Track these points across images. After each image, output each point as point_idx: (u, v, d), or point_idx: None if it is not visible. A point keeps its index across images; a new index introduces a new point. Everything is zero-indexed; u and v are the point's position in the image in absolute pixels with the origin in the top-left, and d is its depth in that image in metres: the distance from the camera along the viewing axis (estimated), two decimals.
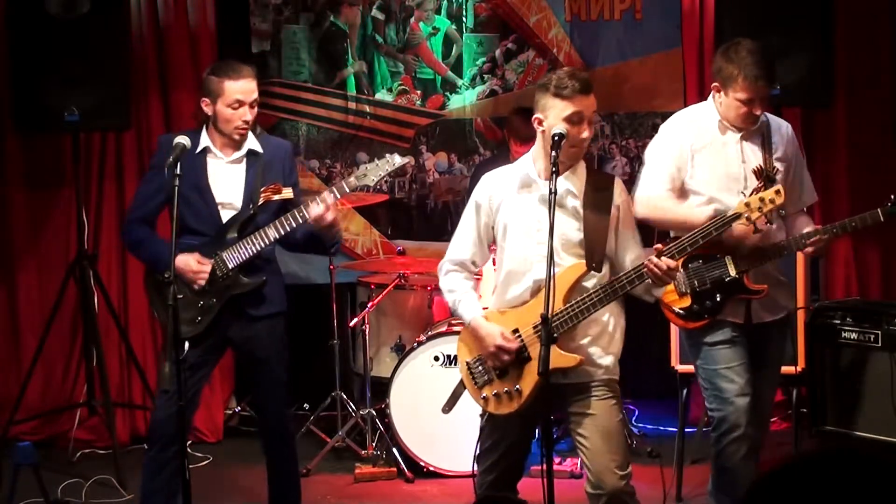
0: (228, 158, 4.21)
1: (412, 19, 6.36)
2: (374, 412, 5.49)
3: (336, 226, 4.15)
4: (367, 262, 6.26)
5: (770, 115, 4.09)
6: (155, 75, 6.02)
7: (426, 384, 5.28)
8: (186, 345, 4.09)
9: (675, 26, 6.13)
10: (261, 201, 4.17)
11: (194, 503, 3.67)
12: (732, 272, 3.89)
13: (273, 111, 6.40)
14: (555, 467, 3.41)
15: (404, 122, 6.44)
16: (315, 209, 4.03)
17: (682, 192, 4.01)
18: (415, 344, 5.36)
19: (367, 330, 5.54)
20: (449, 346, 5.27)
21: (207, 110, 4.19)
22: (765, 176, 3.91)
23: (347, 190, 4.10)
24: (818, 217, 5.57)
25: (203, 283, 4.12)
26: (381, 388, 5.43)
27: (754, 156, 3.96)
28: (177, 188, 3.68)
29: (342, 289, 5.98)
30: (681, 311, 3.98)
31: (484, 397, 3.65)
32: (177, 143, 3.80)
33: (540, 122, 3.56)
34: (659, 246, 3.54)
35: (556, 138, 3.49)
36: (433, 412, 5.23)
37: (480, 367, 3.66)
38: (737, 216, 3.66)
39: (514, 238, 3.62)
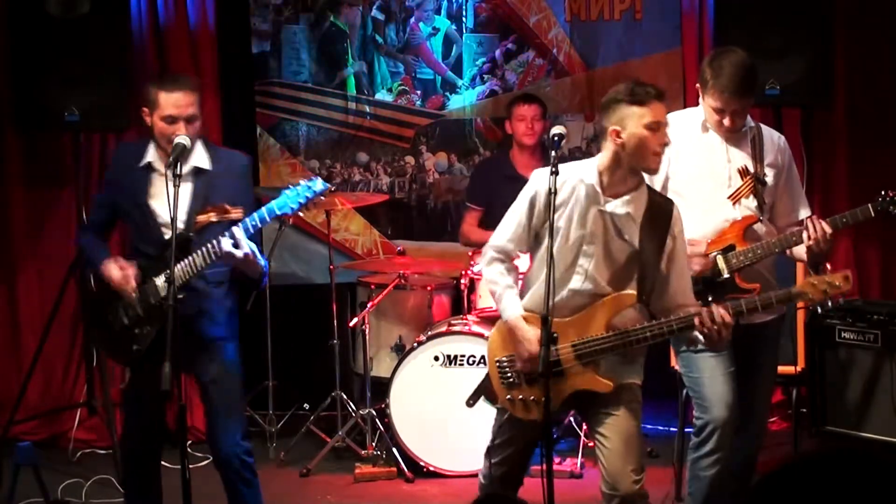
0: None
1: (412, 19, 6.36)
2: (374, 412, 5.49)
3: (252, 262, 3.83)
4: (367, 262, 6.26)
5: (764, 126, 4.07)
6: (155, 76, 6.02)
7: (426, 384, 5.28)
8: (128, 374, 4.00)
9: (675, 26, 6.13)
10: (199, 221, 3.87)
11: (194, 503, 3.66)
12: (724, 272, 3.88)
13: (273, 111, 6.40)
14: (555, 467, 3.41)
15: (404, 122, 6.43)
16: (224, 244, 3.76)
17: (665, 187, 3.96)
18: (415, 344, 5.36)
19: (367, 330, 5.54)
20: (449, 346, 5.27)
21: (147, 120, 3.95)
22: (753, 176, 3.90)
23: (268, 219, 3.80)
24: (817, 217, 5.57)
25: (130, 290, 3.90)
26: (381, 388, 5.43)
27: (740, 156, 3.94)
28: (177, 188, 3.62)
29: (342, 289, 5.98)
30: None
31: (510, 399, 3.61)
32: (177, 144, 3.75)
33: (617, 134, 3.46)
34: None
35: (556, 139, 3.49)
36: (433, 412, 5.26)
37: (511, 368, 3.62)
38: (802, 294, 3.59)
39: (564, 244, 3.53)
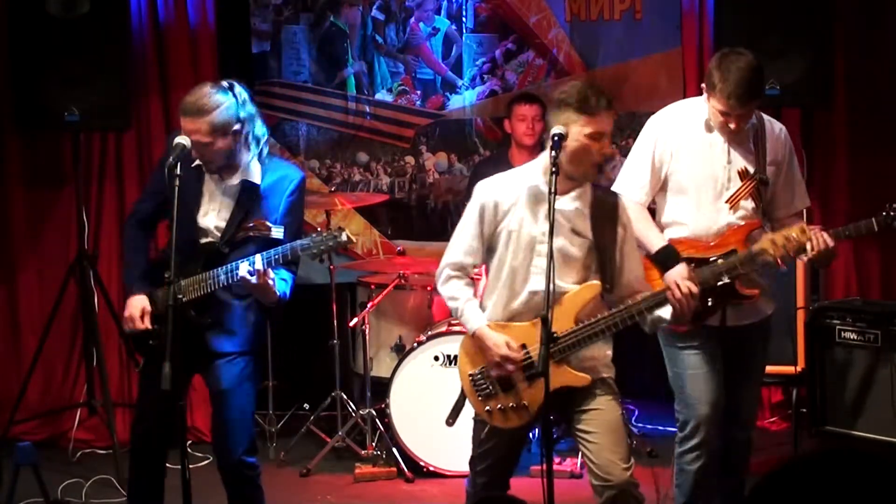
0: (223, 183, 3.90)
1: (412, 19, 6.36)
2: (374, 412, 5.49)
3: (268, 291, 3.79)
4: (367, 262, 6.26)
5: (766, 117, 4.04)
6: (155, 75, 6.02)
7: (426, 384, 5.28)
8: (142, 360, 4.00)
9: (675, 26, 6.13)
10: (238, 237, 3.85)
11: (194, 503, 3.66)
12: (725, 277, 3.87)
13: (273, 111, 6.39)
14: (555, 467, 3.41)
15: (404, 122, 6.44)
16: (241, 270, 3.72)
17: (663, 188, 3.99)
18: (415, 344, 5.36)
19: (367, 330, 5.54)
20: (449, 346, 5.27)
21: None
22: (753, 178, 3.89)
23: (290, 257, 3.75)
24: (817, 217, 5.57)
25: (128, 329, 3.92)
26: (381, 388, 5.43)
27: (742, 157, 3.92)
28: (177, 189, 3.57)
29: (342, 289, 5.98)
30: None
31: (488, 410, 3.61)
32: (176, 144, 3.72)
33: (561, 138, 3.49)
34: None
35: (556, 139, 3.49)
36: (433, 412, 5.24)
37: (484, 380, 3.62)
38: (762, 252, 3.66)
39: (516, 249, 3.58)
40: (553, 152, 3.44)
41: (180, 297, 3.72)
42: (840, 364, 4.85)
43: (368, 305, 5.53)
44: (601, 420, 3.54)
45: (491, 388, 3.60)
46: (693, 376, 3.95)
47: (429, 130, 6.44)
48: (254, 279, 3.71)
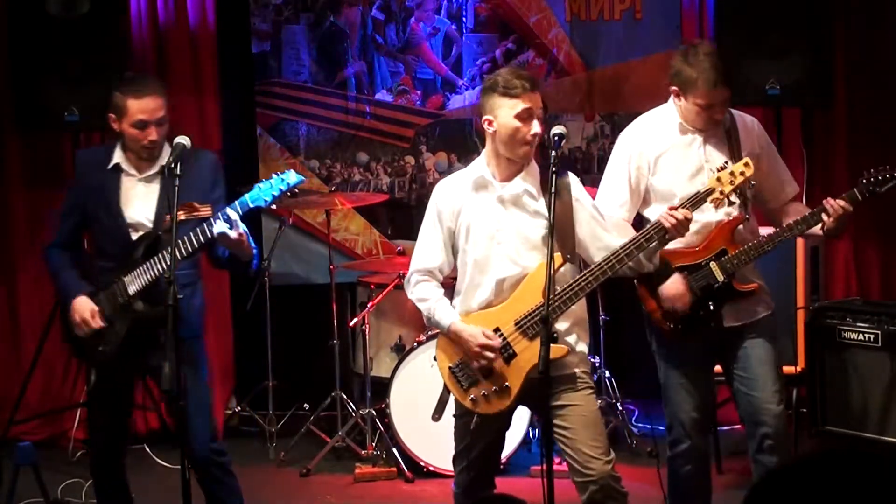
0: (141, 176, 4.01)
1: (412, 19, 6.36)
2: (374, 412, 5.49)
3: (245, 244, 3.85)
4: (367, 262, 6.26)
5: (735, 112, 4.03)
6: (155, 76, 6.01)
7: (426, 384, 5.25)
8: (93, 376, 4.03)
9: (675, 26, 6.13)
10: (167, 220, 3.83)
11: (194, 503, 3.66)
12: (720, 277, 3.86)
13: (273, 111, 6.39)
14: (555, 467, 3.40)
15: (404, 122, 6.43)
16: (218, 226, 3.78)
17: (645, 200, 3.98)
18: (415, 344, 5.36)
19: (367, 330, 5.54)
20: None
21: (115, 127, 3.99)
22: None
23: (240, 211, 3.82)
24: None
25: (82, 333, 3.94)
26: (381, 388, 5.43)
27: (718, 155, 3.91)
28: (177, 189, 3.61)
29: (342, 289, 5.98)
30: (674, 328, 3.91)
31: (472, 399, 3.64)
32: (177, 144, 3.75)
33: (490, 123, 3.59)
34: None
35: (557, 139, 3.51)
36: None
37: (464, 370, 3.65)
38: (710, 191, 3.66)
39: (476, 240, 3.65)
40: (553, 152, 3.46)
41: (128, 294, 3.89)
42: (840, 364, 4.84)
43: (368, 305, 5.53)
44: (578, 415, 3.56)
45: (472, 377, 3.64)
46: (678, 385, 3.98)
47: (429, 130, 6.44)
48: (233, 233, 3.77)
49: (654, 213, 3.90)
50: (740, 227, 3.90)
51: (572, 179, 3.67)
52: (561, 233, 3.55)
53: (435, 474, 5.28)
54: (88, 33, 5.37)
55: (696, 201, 3.68)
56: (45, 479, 4.58)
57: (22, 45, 5.45)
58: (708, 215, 3.89)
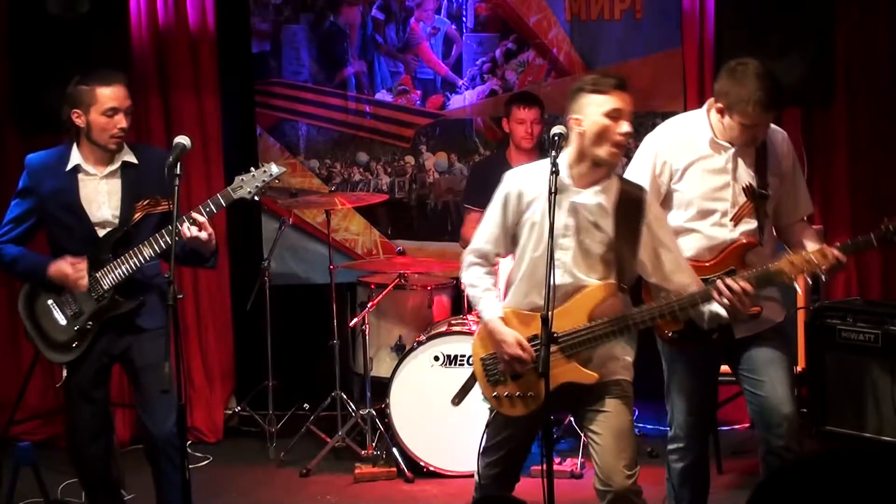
0: (102, 174, 4.05)
1: (412, 19, 6.36)
2: (374, 412, 5.49)
3: (211, 240, 3.94)
4: (367, 262, 6.26)
5: (770, 127, 3.96)
6: (155, 76, 6.02)
7: (426, 384, 5.28)
8: (65, 372, 4.05)
9: (675, 26, 6.13)
10: (136, 217, 4.03)
11: (194, 503, 3.66)
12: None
13: (273, 111, 6.40)
14: (555, 467, 3.41)
15: (404, 122, 6.43)
16: (187, 230, 3.85)
17: (665, 203, 3.92)
18: (415, 344, 5.36)
19: (367, 330, 5.54)
20: (449, 346, 5.27)
21: (79, 122, 4.02)
22: (754, 195, 3.86)
23: (223, 203, 3.91)
24: (818, 218, 5.57)
25: (85, 283, 4.00)
26: (381, 388, 5.43)
27: (746, 173, 3.87)
28: (177, 188, 3.60)
29: (342, 289, 5.98)
30: (674, 335, 3.89)
31: (496, 396, 3.62)
32: (176, 144, 3.73)
33: (578, 123, 3.49)
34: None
35: (556, 138, 3.48)
36: (433, 412, 5.26)
37: (495, 365, 3.62)
38: (780, 272, 3.61)
39: (538, 240, 3.55)
40: (553, 152, 3.44)
41: (103, 289, 3.97)
42: (840, 364, 4.85)
43: (368, 305, 5.53)
44: (608, 423, 3.54)
45: (500, 374, 3.61)
46: (680, 387, 3.99)
47: (429, 130, 6.44)
48: (203, 235, 3.85)
49: (672, 220, 3.87)
50: (751, 252, 3.86)
51: (648, 200, 3.58)
52: (621, 257, 3.51)
53: (435, 474, 5.28)
54: (88, 33, 5.37)
55: (763, 279, 3.61)
56: (45, 479, 4.58)
57: (22, 46, 5.45)
58: (723, 232, 3.86)
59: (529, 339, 3.53)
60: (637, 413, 6.02)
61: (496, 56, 6.34)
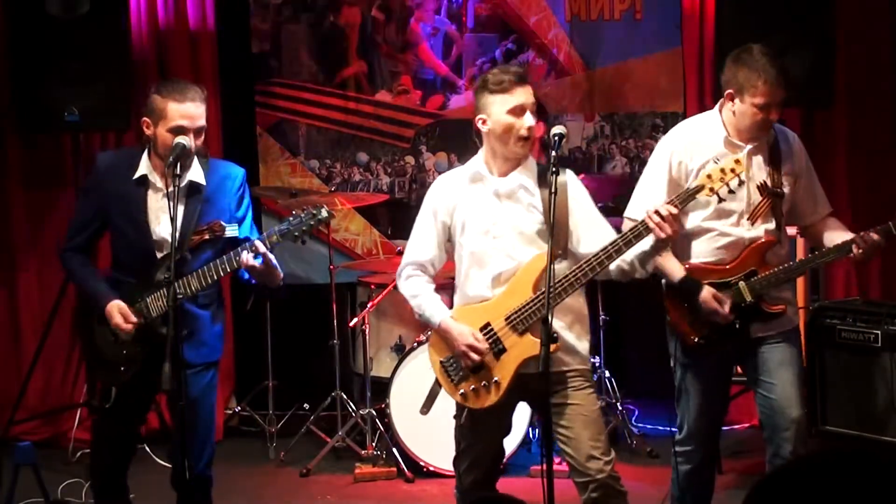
0: (169, 190, 3.69)
1: (412, 19, 6.36)
2: (374, 412, 5.49)
3: (274, 273, 3.81)
4: (367, 262, 6.26)
5: (779, 127, 4.00)
6: (155, 76, 6.01)
7: (426, 384, 5.25)
8: (113, 392, 3.89)
9: (675, 26, 6.13)
10: (193, 241, 3.79)
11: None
12: (748, 298, 3.82)
13: (273, 111, 6.40)
14: (555, 467, 3.39)
15: (404, 122, 6.43)
16: (245, 257, 3.71)
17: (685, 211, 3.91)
18: (415, 344, 5.36)
19: (367, 330, 5.54)
20: None
21: (148, 132, 3.80)
22: (770, 193, 3.86)
23: (276, 240, 3.73)
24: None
25: (130, 332, 3.82)
26: (381, 388, 5.43)
27: (759, 171, 3.87)
28: (178, 189, 3.58)
29: (342, 289, 5.98)
30: (701, 342, 3.87)
31: (462, 393, 3.65)
32: (177, 144, 3.69)
33: (484, 122, 3.61)
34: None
35: (556, 139, 3.50)
36: (433, 412, 5.24)
37: (455, 365, 3.66)
38: (700, 188, 3.54)
39: (472, 234, 3.65)
40: (553, 152, 3.46)
41: (151, 316, 3.79)
42: (840, 364, 4.84)
43: (368, 305, 5.53)
44: (578, 414, 3.55)
45: (462, 371, 3.65)
46: (694, 393, 3.97)
47: (429, 130, 6.44)
48: (258, 262, 3.73)
49: (689, 222, 3.88)
50: (770, 251, 3.87)
51: (569, 176, 3.67)
52: (556, 225, 3.51)
53: (435, 474, 5.28)
54: (88, 33, 5.37)
55: (684, 198, 3.56)
56: (45, 479, 4.58)
57: (22, 45, 5.46)
58: (740, 231, 3.87)
59: (481, 329, 3.60)
60: (637, 413, 6.04)
61: (496, 56, 6.34)
